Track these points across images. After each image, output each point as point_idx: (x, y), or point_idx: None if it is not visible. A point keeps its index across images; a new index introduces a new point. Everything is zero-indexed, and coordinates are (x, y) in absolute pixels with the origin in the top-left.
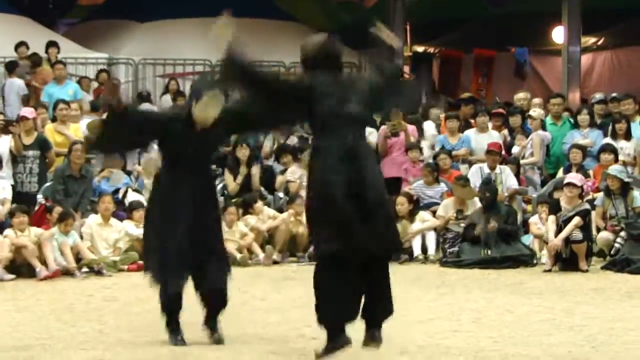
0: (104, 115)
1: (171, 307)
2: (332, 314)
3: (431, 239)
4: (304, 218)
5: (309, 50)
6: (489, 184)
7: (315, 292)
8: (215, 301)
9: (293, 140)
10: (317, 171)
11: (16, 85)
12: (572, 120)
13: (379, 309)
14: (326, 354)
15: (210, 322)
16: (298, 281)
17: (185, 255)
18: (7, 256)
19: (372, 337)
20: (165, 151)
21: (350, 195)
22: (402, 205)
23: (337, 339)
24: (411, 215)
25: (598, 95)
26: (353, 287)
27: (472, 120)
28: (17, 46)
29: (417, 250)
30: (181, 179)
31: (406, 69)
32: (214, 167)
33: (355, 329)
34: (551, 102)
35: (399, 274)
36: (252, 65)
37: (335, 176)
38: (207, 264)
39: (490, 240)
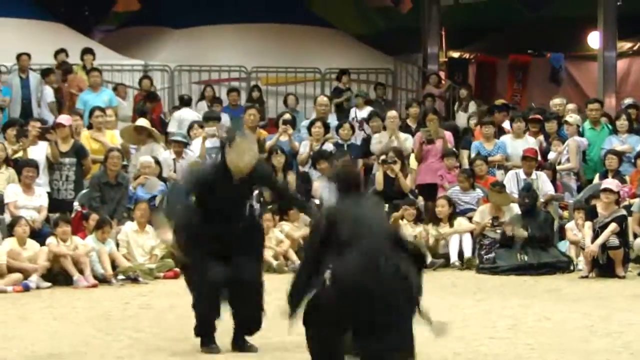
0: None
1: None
2: None
3: (467, 243)
4: None
5: (335, 173)
6: (529, 190)
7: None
8: (248, 325)
9: (329, 147)
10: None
11: (48, 93)
12: (610, 126)
13: None
14: None
15: (240, 341)
16: None
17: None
18: (44, 265)
19: None
20: (203, 204)
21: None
22: (442, 207)
23: None
24: (450, 219)
25: (627, 101)
26: None
27: (506, 127)
28: (57, 53)
29: (453, 257)
30: (216, 227)
31: (442, 74)
32: None
33: None
34: (589, 107)
35: (434, 281)
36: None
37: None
38: (241, 291)
39: (527, 246)
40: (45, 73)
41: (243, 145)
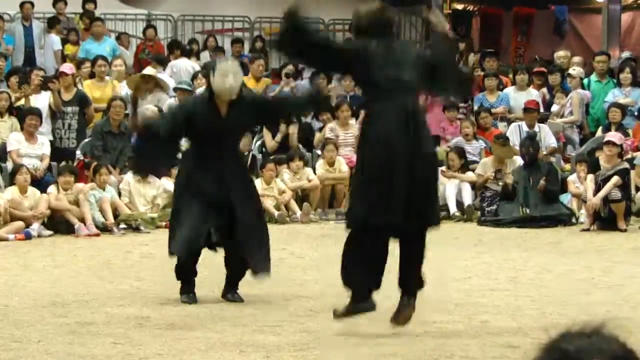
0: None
1: (185, 267)
2: (357, 279)
3: (467, 193)
4: (340, 167)
5: (362, 17)
6: (533, 139)
7: (342, 255)
8: (236, 268)
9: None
10: (374, 137)
11: (54, 41)
12: (614, 79)
13: (411, 280)
14: (345, 316)
15: (230, 290)
16: (335, 239)
17: (205, 222)
18: (45, 213)
19: (403, 304)
20: (192, 137)
21: (403, 167)
22: (452, 161)
23: (360, 304)
24: (462, 171)
25: (625, 54)
26: (380, 256)
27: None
28: (55, 2)
29: (452, 207)
30: (207, 163)
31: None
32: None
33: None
34: (596, 59)
35: (436, 233)
36: (308, 29)
37: (392, 144)
38: (238, 234)
39: (529, 199)
40: (51, 22)
41: (226, 66)
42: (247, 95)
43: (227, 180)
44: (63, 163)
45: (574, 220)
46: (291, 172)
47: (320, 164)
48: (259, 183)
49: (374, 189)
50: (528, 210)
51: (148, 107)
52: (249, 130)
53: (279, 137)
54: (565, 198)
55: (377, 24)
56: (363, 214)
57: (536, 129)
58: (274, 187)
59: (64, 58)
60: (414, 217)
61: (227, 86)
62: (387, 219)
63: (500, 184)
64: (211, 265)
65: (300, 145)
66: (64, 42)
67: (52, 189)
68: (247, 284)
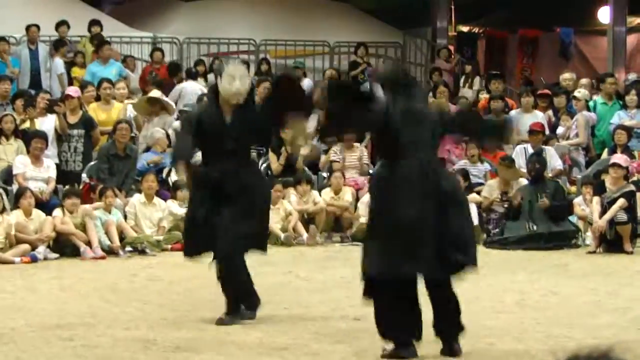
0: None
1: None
2: (395, 331)
3: (473, 212)
4: (344, 196)
5: (385, 76)
6: (540, 156)
7: (374, 308)
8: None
9: None
10: (390, 188)
11: (58, 64)
12: (620, 101)
13: (450, 324)
14: (391, 358)
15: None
16: (341, 261)
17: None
18: (51, 236)
19: (450, 350)
20: (198, 141)
21: (425, 209)
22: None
23: (404, 351)
24: (466, 193)
25: (632, 76)
26: (412, 304)
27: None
28: (58, 25)
29: None
30: (215, 170)
31: (451, 48)
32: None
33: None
34: (607, 81)
35: None
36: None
37: (411, 192)
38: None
39: (535, 215)
40: (56, 45)
41: (233, 70)
42: (257, 105)
43: (225, 191)
44: (68, 186)
45: (580, 241)
46: (298, 195)
47: (326, 192)
48: None
49: (400, 237)
50: (535, 227)
51: (157, 130)
52: (255, 139)
53: (282, 159)
54: (571, 220)
55: (399, 83)
56: (388, 266)
57: (539, 148)
58: (280, 208)
59: (70, 81)
60: (441, 265)
61: (234, 90)
62: (413, 268)
63: (506, 206)
64: (216, 289)
65: (306, 168)
66: (71, 65)
67: (57, 212)
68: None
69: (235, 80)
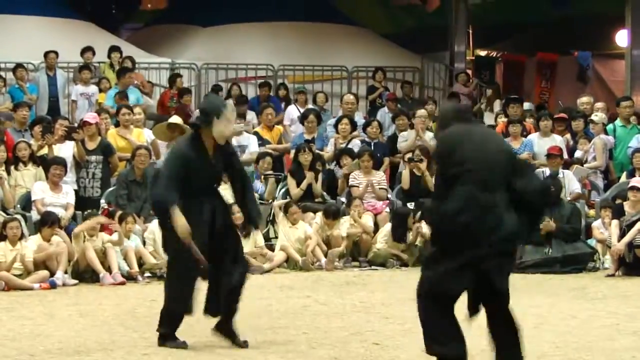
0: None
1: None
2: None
3: None
4: (364, 221)
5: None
6: (555, 178)
7: (423, 327)
8: (230, 301)
9: (357, 143)
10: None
11: (73, 91)
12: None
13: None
14: None
15: (226, 326)
16: (360, 286)
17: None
18: (65, 255)
19: None
20: (185, 184)
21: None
22: None
23: None
24: None
25: None
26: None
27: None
28: (83, 52)
29: None
30: (196, 204)
31: (469, 72)
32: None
33: None
34: (622, 104)
35: None
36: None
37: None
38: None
39: (551, 239)
40: (80, 69)
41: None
42: (230, 147)
43: (217, 223)
44: (89, 211)
45: (598, 264)
46: (325, 224)
47: (346, 220)
48: (282, 226)
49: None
50: (551, 251)
51: None
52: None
53: (304, 184)
54: (587, 243)
55: (452, 112)
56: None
57: (560, 174)
58: (300, 230)
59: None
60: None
61: (227, 133)
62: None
63: None
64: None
65: (325, 193)
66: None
67: (77, 229)
68: (271, 329)
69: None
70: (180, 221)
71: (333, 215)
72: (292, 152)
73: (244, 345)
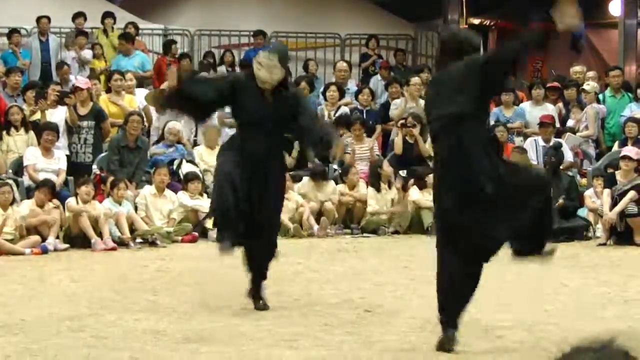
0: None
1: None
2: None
3: None
4: (358, 190)
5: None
6: (558, 150)
7: None
8: (260, 267)
9: (345, 110)
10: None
11: (68, 56)
12: (630, 94)
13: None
14: None
15: (254, 289)
16: (351, 253)
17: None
18: (63, 216)
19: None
20: (235, 115)
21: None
22: None
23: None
24: None
25: None
26: None
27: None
28: (75, 17)
29: None
30: (246, 145)
31: None
32: None
33: None
34: (610, 74)
35: None
36: None
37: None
38: (258, 231)
39: None
40: (77, 35)
41: (261, 59)
42: (294, 92)
43: (264, 171)
44: (83, 177)
45: (590, 234)
46: (314, 186)
47: (340, 187)
48: None
49: None
50: None
51: (175, 122)
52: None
53: (295, 153)
54: (581, 213)
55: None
56: None
57: (552, 143)
58: (292, 200)
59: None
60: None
61: (260, 76)
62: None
63: None
64: (226, 280)
65: (317, 160)
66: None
67: (71, 199)
68: (268, 296)
69: (261, 70)
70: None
71: (321, 175)
72: None
73: (263, 307)
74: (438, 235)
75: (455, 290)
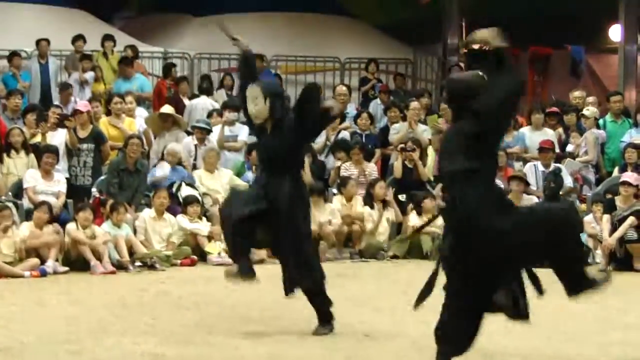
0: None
1: (236, 231)
2: None
3: None
4: (355, 206)
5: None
6: (557, 175)
7: None
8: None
9: (345, 135)
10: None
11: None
12: (630, 120)
13: None
14: None
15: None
16: (351, 278)
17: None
18: (64, 241)
19: None
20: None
21: None
22: None
23: None
24: None
25: None
26: None
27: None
28: (74, 40)
29: None
30: (263, 177)
31: (462, 65)
32: None
33: None
34: (611, 99)
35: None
36: None
37: None
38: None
39: None
40: (81, 59)
41: (250, 92)
42: (288, 121)
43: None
44: (79, 201)
45: (590, 260)
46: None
47: (337, 198)
48: None
49: None
50: None
51: (176, 144)
52: (298, 150)
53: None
54: (581, 238)
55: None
56: None
57: (552, 168)
58: None
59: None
60: None
61: (253, 111)
62: None
63: None
64: (225, 303)
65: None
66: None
67: (71, 224)
68: (262, 321)
69: (250, 103)
70: None
71: (318, 192)
72: None
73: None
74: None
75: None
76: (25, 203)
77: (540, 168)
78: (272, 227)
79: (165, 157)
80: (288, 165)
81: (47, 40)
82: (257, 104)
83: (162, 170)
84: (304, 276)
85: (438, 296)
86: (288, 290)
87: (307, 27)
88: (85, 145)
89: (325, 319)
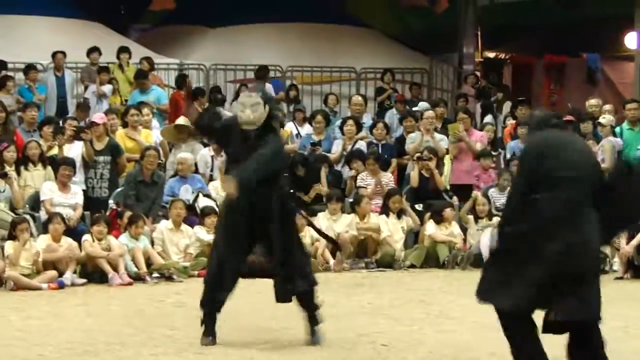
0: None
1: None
2: None
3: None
4: (371, 219)
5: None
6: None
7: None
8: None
9: (362, 145)
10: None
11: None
12: None
13: None
14: None
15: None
16: (367, 287)
17: (238, 270)
18: (80, 256)
19: None
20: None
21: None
22: (483, 205)
23: None
24: (489, 217)
25: None
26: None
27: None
28: (89, 52)
29: (485, 253)
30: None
31: (478, 74)
32: None
33: None
34: (627, 107)
35: (465, 280)
36: None
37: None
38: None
39: None
40: (99, 71)
41: (243, 100)
42: (273, 138)
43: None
44: (96, 213)
45: (607, 268)
46: (329, 213)
47: (351, 217)
48: None
49: None
50: None
51: (188, 154)
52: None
53: (312, 193)
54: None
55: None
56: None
57: None
58: (306, 235)
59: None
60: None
61: (243, 118)
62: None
63: None
64: (242, 314)
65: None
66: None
67: (87, 237)
68: (279, 331)
69: (246, 109)
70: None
71: (336, 199)
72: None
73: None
74: None
75: None
76: (43, 215)
77: None
78: (263, 240)
79: (176, 166)
80: (275, 183)
81: (63, 53)
82: (257, 109)
83: (186, 194)
84: (299, 280)
85: (455, 306)
86: (283, 296)
87: (322, 38)
88: (101, 158)
89: (315, 324)
